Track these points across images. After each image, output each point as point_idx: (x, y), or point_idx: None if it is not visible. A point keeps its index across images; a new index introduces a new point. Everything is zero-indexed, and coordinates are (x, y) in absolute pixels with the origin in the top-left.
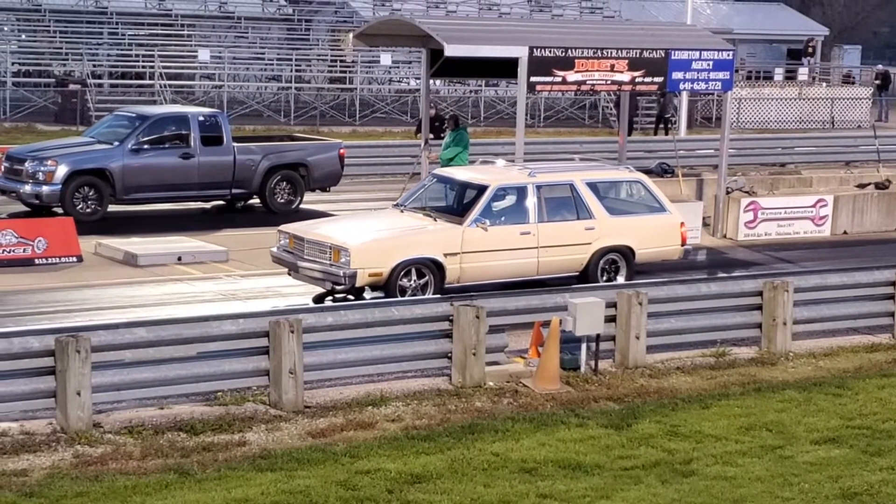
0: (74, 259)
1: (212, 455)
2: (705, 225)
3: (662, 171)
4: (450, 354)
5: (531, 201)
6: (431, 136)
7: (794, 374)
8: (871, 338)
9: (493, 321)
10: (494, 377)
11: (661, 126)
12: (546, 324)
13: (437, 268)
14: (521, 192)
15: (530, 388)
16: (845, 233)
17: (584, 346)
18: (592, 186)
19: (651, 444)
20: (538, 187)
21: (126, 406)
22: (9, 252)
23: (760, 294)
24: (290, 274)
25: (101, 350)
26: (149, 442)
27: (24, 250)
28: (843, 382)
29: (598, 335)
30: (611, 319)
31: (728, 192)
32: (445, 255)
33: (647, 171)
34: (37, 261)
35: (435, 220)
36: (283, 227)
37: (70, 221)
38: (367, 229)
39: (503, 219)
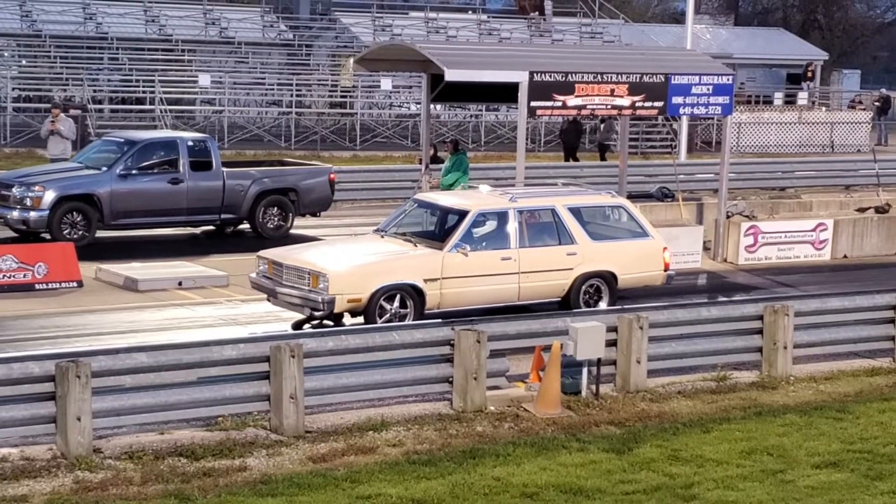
0: (75, 284)
1: (212, 480)
2: (706, 249)
3: (663, 196)
4: (451, 379)
5: (512, 226)
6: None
7: (795, 398)
8: (871, 362)
9: (494, 345)
10: (496, 402)
11: (602, 153)
12: (547, 348)
13: (416, 293)
14: (501, 217)
15: (531, 412)
16: (845, 257)
17: (585, 370)
18: (574, 211)
19: (652, 469)
20: (519, 212)
21: (126, 431)
22: (9, 277)
23: (761, 318)
24: (268, 300)
25: (101, 375)
26: (149, 467)
27: (25, 275)
28: (843, 406)
29: (599, 359)
30: (612, 343)
31: (728, 217)
32: (425, 280)
33: (648, 196)
34: (37, 286)
35: (415, 246)
36: (262, 253)
37: (70, 247)
38: (346, 255)
39: (484, 244)
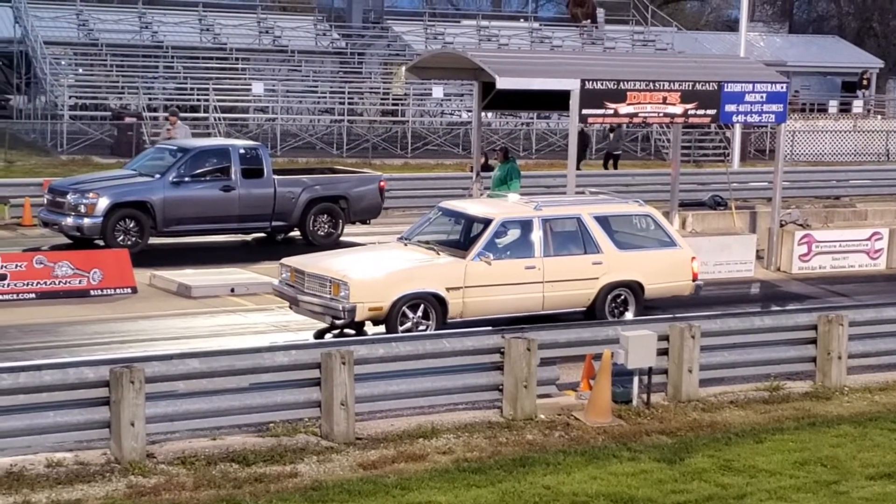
0: (129, 290)
1: (263, 486)
2: (759, 258)
3: (715, 204)
4: (501, 387)
5: (537, 235)
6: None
7: (849, 409)
8: None
9: (544, 353)
10: (546, 410)
11: (610, 162)
12: (598, 357)
13: (438, 302)
14: (526, 225)
15: (582, 421)
16: None
17: (636, 379)
18: (601, 220)
19: (704, 479)
20: (544, 221)
21: (179, 437)
22: (65, 283)
23: (815, 328)
24: (291, 308)
25: (154, 381)
26: (201, 472)
27: (80, 282)
28: None
29: (650, 368)
30: (663, 352)
31: (782, 225)
32: (447, 289)
33: (700, 204)
34: (92, 292)
35: (438, 254)
36: (285, 261)
37: (125, 253)
38: (368, 263)
39: (508, 253)
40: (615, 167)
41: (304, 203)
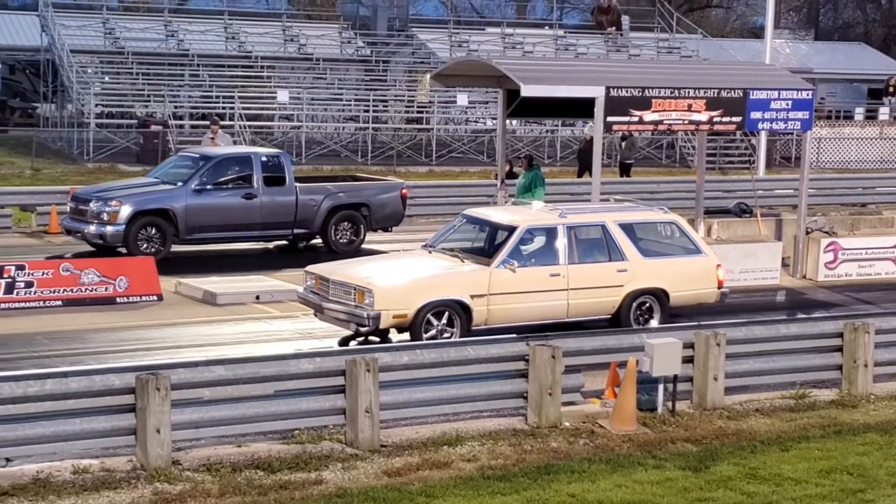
0: (155, 298)
1: (288, 493)
2: (784, 265)
3: (741, 211)
4: (525, 394)
5: (561, 242)
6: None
7: (876, 417)
8: None
9: (568, 361)
10: (570, 417)
11: (622, 171)
12: (622, 364)
13: (463, 310)
14: (550, 233)
15: (607, 428)
16: None
17: (661, 386)
18: (625, 227)
19: (730, 487)
20: (569, 228)
21: (204, 444)
22: (91, 291)
23: (841, 335)
24: (315, 315)
25: (180, 388)
26: (227, 480)
27: (106, 289)
28: None
29: (675, 376)
30: (688, 360)
31: (808, 233)
32: (472, 296)
33: (726, 211)
34: (118, 299)
35: (462, 262)
36: (310, 268)
37: (151, 261)
38: (393, 270)
39: (532, 260)
40: (628, 175)
41: (326, 211)
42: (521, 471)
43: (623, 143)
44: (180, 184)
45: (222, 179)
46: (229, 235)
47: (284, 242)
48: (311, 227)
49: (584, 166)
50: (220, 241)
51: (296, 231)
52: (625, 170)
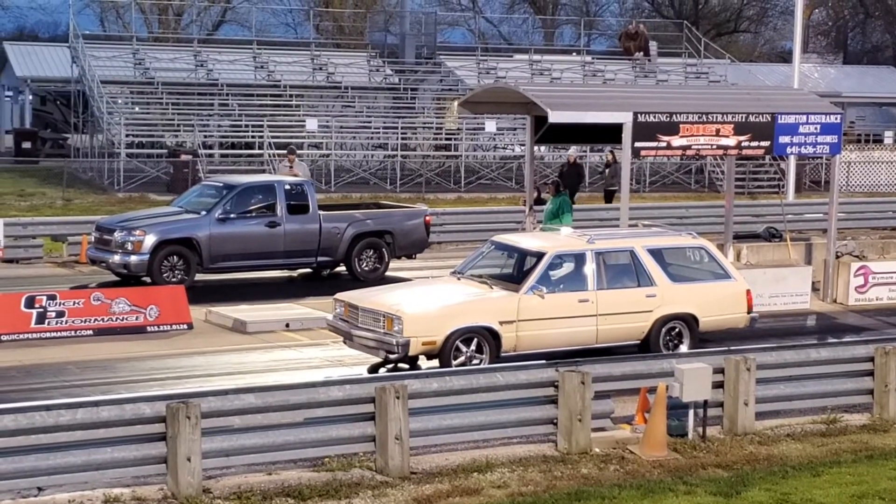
0: (185, 326)
1: None
2: (815, 290)
3: (770, 236)
4: (555, 420)
5: (590, 268)
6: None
7: None
8: None
9: (598, 387)
10: (600, 443)
11: (607, 198)
12: (652, 390)
13: (492, 336)
14: (579, 259)
15: (637, 454)
16: None
17: (691, 412)
18: (654, 253)
19: None
20: (597, 254)
21: (235, 472)
22: (122, 320)
23: (872, 360)
24: (345, 342)
25: (210, 416)
26: None
27: (137, 318)
28: None
29: (705, 401)
30: (718, 385)
31: (838, 257)
32: (501, 322)
33: (756, 236)
34: (149, 328)
35: (491, 288)
36: (339, 296)
37: (181, 290)
38: (422, 297)
39: (561, 286)
40: (610, 201)
41: (350, 238)
42: (552, 497)
43: (606, 171)
44: (204, 213)
45: (246, 208)
46: (253, 264)
47: (308, 270)
48: (334, 254)
49: (569, 192)
50: (244, 270)
51: (319, 259)
52: (608, 197)
